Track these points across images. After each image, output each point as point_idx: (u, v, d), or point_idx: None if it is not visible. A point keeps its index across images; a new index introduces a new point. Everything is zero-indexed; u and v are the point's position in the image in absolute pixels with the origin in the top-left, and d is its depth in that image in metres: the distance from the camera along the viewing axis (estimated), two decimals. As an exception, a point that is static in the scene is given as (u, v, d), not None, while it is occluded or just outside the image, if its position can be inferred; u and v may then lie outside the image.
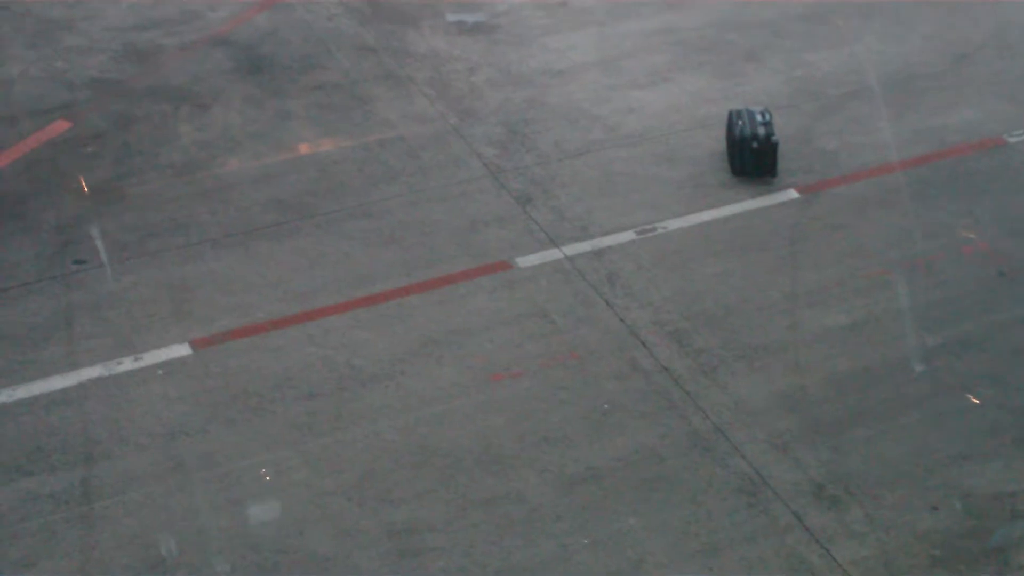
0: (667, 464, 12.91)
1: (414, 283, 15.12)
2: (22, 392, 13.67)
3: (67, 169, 17.02)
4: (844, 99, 18.51)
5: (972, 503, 12.51)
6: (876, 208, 16.36)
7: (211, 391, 13.68)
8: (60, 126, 17.85)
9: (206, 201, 16.39)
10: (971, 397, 13.60)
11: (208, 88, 18.68)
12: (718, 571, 11.91)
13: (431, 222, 16.07)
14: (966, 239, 15.80)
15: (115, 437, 13.12)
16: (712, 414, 13.42)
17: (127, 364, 14.02)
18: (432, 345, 14.26)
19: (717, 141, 17.40)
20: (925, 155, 17.35)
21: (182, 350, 14.21)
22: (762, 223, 16.11)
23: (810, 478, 12.75)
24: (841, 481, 12.71)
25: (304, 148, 17.34)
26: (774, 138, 16.67)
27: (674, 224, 16.09)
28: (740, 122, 16.79)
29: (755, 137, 16.62)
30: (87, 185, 16.67)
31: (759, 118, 16.81)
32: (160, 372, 13.94)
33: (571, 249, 15.61)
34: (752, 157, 16.69)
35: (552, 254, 15.55)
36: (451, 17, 20.39)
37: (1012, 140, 17.65)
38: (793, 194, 16.63)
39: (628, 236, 15.85)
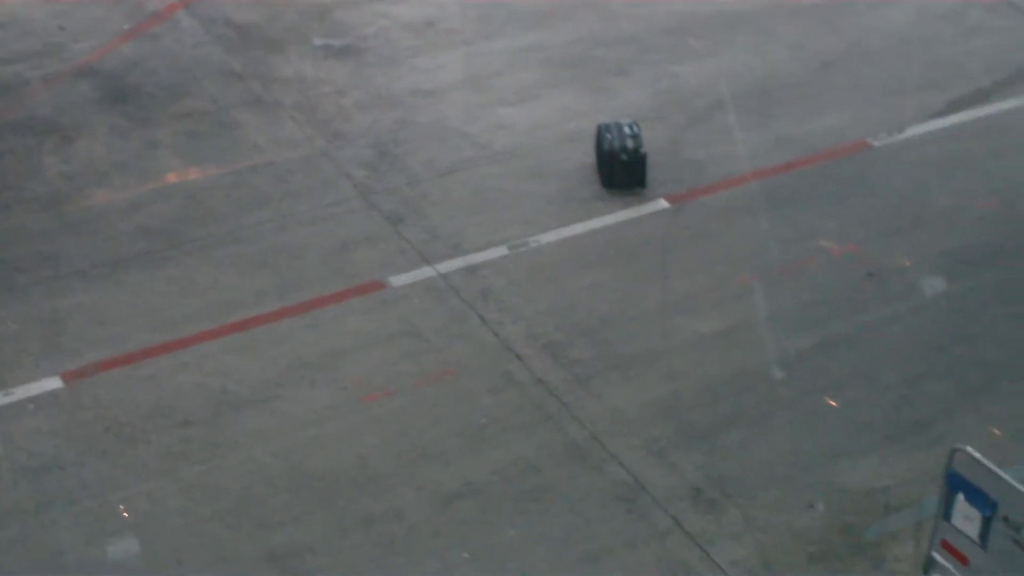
0: (545, 475, 12.93)
1: (286, 307, 15.04)
2: None
3: (-70, 206, 16.79)
4: (711, 110, 18.68)
5: (846, 500, 12.65)
6: (745, 215, 16.52)
7: (84, 423, 13.51)
8: (-78, 163, 17.61)
9: (73, 233, 16.19)
10: (829, 401, 13.73)
11: (73, 120, 18.47)
12: (599, 579, 11.99)
13: (302, 245, 15.99)
14: (834, 242, 15.98)
15: (-14, 473, 12.95)
16: (588, 424, 13.45)
17: (-4, 400, 13.85)
18: (306, 368, 14.19)
19: (586, 155, 17.48)
20: (791, 161, 17.54)
21: (53, 383, 14.02)
22: (633, 234, 16.21)
23: (687, 482, 12.82)
24: (717, 484, 12.79)
25: (172, 176, 17.20)
26: (643, 150, 16.79)
27: (546, 238, 16.13)
28: (609, 135, 16.88)
29: (624, 150, 16.72)
30: (-49, 221, 16.44)
31: (628, 131, 16.92)
32: (31, 406, 13.74)
33: (444, 266, 15.60)
34: (622, 169, 16.79)
35: (425, 272, 15.53)
36: (318, 41, 20.34)
37: (876, 144, 17.90)
38: (663, 204, 16.74)
39: (500, 251, 15.87)
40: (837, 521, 12.42)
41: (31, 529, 12.33)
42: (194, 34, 20.37)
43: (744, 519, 12.44)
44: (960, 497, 10.25)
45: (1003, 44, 20.29)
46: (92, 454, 13.20)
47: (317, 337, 14.61)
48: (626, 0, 21.51)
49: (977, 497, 10.11)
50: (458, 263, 15.67)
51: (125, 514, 12.50)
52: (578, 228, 16.33)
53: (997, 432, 13.33)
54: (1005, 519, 9.96)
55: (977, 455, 10.03)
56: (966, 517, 10.25)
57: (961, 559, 10.41)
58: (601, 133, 17.10)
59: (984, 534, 10.15)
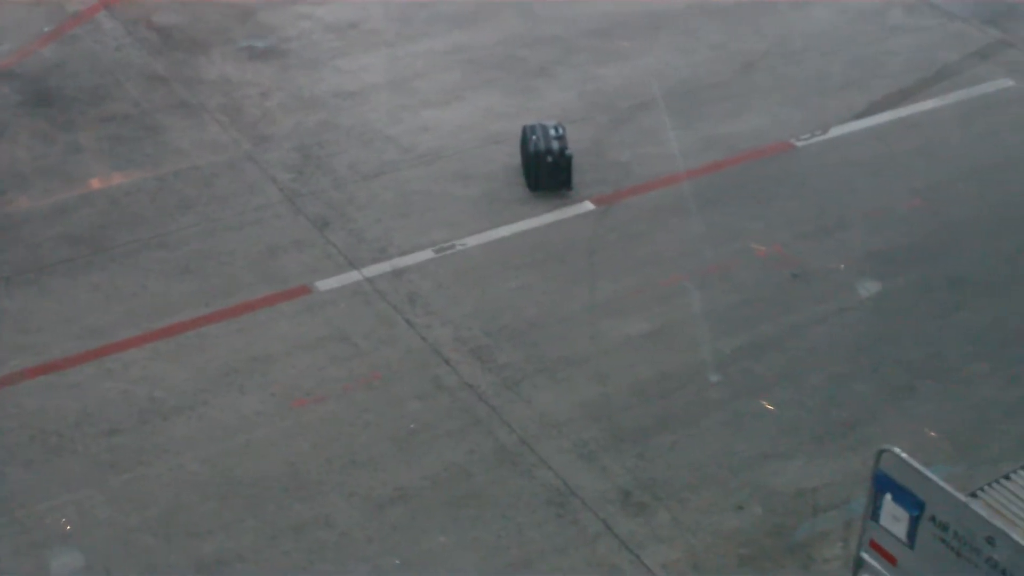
0: (475, 480, 12.93)
1: (213, 312, 14.96)
2: None
3: None
4: (635, 111, 18.74)
5: (775, 501, 12.73)
6: (671, 216, 16.59)
7: (7, 433, 13.38)
8: None
9: (-5, 239, 16.07)
10: (766, 404, 13.82)
11: (-6, 124, 18.31)
12: (530, 584, 12.01)
13: (228, 250, 15.91)
14: (759, 243, 16.08)
15: (-91, 485, 12.80)
16: (518, 428, 13.47)
17: (-82, 410, 13.69)
18: (234, 374, 14.12)
19: (511, 157, 17.50)
20: (716, 162, 17.63)
21: (-25, 392, 13.90)
22: (560, 236, 16.23)
23: (617, 485, 12.86)
24: (647, 487, 12.84)
25: (96, 181, 17.05)
26: (568, 152, 16.80)
27: (472, 241, 16.13)
28: (534, 137, 16.89)
29: (549, 151, 16.73)
30: None
31: (553, 132, 16.93)
32: (-46, 416, 13.62)
33: (370, 271, 15.57)
34: (547, 171, 16.80)
35: (352, 276, 15.49)
36: (241, 43, 20.23)
37: (799, 144, 18.02)
38: (589, 206, 16.78)
39: (427, 255, 15.86)
40: (767, 522, 12.50)
41: (-44, 541, 12.23)
42: (116, 36, 20.21)
43: (674, 521, 12.50)
44: (888, 497, 10.33)
45: (924, 43, 20.47)
46: (17, 464, 13.08)
47: (245, 343, 14.54)
48: (549, 1, 21.51)
49: (905, 497, 10.19)
50: (385, 267, 15.64)
51: (68, 527, 12.40)
52: (504, 231, 16.34)
53: (932, 434, 13.46)
54: (932, 519, 10.06)
55: (904, 456, 10.11)
56: (894, 517, 10.33)
57: (890, 559, 10.50)
58: (526, 135, 17.11)
59: (912, 534, 10.24)
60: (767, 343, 14.62)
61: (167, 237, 16.10)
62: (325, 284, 15.37)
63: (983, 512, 9.75)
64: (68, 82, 19.19)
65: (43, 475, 12.95)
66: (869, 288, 15.37)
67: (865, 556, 10.70)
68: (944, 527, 9.99)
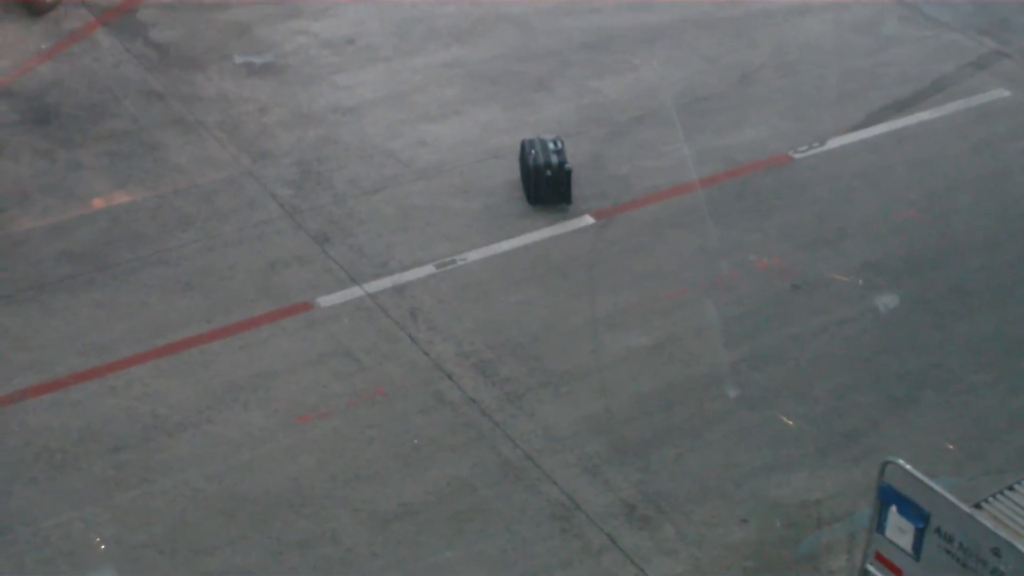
0: (480, 495, 12.97)
1: (215, 329, 14.99)
2: None
3: None
4: (632, 124, 18.79)
5: (780, 513, 12.77)
6: (670, 229, 16.64)
7: (12, 450, 13.40)
8: None
9: (-3, 257, 16.09)
10: (784, 419, 13.85)
11: (-7, 142, 18.33)
12: (536, 598, 12.05)
13: (229, 266, 15.94)
14: (759, 255, 16.13)
15: (-86, 504, 12.82)
16: (521, 442, 13.51)
17: (-77, 429, 13.71)
18: (237, 390, 14.15)
19: (511, 171, 17.54)
20: (714, 175, 17.68)
21: (-21, 411, 13.93)
22: (560, 250, 16.28)
23: (621, 499, 12.90)
24: (652, 500, 12.89)
25: (96, 199, 17.06)
26: (567, 166, 16.85)
27: (473, 256, 16.17)
28: (533, 151, 16.94)
29: (548, 165, 16.77)
30: None
31: (551, 146, 16.98)
32: (-42, 434, 13.64)
33: (372, 286, 15.61)
34: (547, 185, 16.85)
35: (353, 292, 15.53)
36: (239, 59, 20.26)
37: (797, 156, 18.07)
38: (589, 220, 16.83)
39: (428, 270, 15.90)
40: (771, 535, 12.54)
41: (-38, 560, 12.25)
42: (114, 53, 20.22)
43: (679, 535, 12.54)
44: (893, 509, 10.38)
45: (919, 54, 20.54)
46: (22, 481, 13.10)
47: (247, 359, 14.57)
48: (545, 15, 21.55)
49: (910, 509, 10.24)
50: (386, 282, 15.68)
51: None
52: (505, 245, 16.38)
53: (951, 446, 13.52)
54: (938, 530, 10.10)
55: (909, 467, 10.16)
56: (899, 529, 10.38)
57: (895, 571, 10.55)
58: (525, 149, 17.16)
59: (917, 546, 10.29)
60: (769, 354, 14.68)
61: (168, 254, 16.12)
62: (327, 300, 15.40)
63: (988, 523, 9.80)
64: (66, 99, 19.20)
65: (48, 492, 12.97)
66: (887, 303, 15.41)
67: (871, 568, 10.75)
68: (949, 538, 10.04)
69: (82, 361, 14.55)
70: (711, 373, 14.44)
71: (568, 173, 16.85)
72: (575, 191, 17.07)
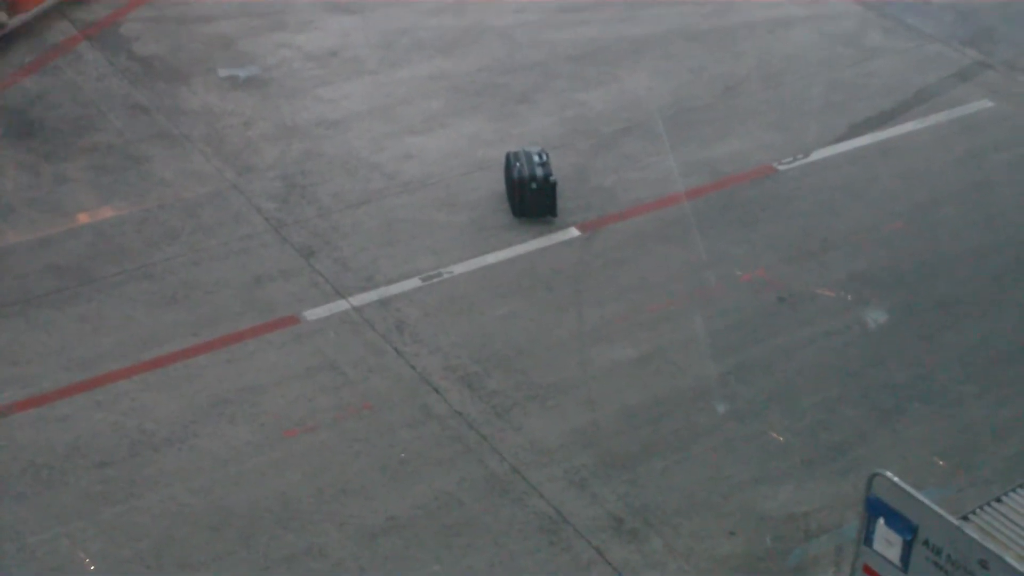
0: (467, 509, 12.96)
1: (201, 343, 14.96)
2: None
3: None
4: (617, 136, 18.80)
5: (768, 525, 12.77)
6: (655, 242, 16.65)
7: (-2, 465, 13.39)
8: None
9: (-19, 272, 16.05)
10: (774, 434, 13.86)
11: (-23, 156, 18.29)
12: (524, 612, 12.03)
13: (215, 280, 15.92)
14: (743, 268, 16.14)
15: (-100, 521, 12.77)
16: (508, 455, 13.50)
17: (-92, 444, 13.66)
18: (223, 404, 14.13)
19: (496, 183, 17.54)
20: (699, 187, 17.70)
21: (-35, 426, 13.88)
22: (546, 263, 16.28)
23: (609, 512, 12.89)
24: (639, 513, 12.88)
25: (81, 212, 17.03)
26: (552, 178, 16.85)
27: (459, 268, 16.17)
28: (518, 163, 16.94)
29: (534, 178, 16.78)
30: None
31: (536, 159, 16.98)
32: (-57, 450, 13.60)
33: (358, 299, 15.60)
34: (532, 198, 16.85)
35: (339, 305, 15.51)
36: (223, 72, 20.24)
37: (781, 168, 18.10)
38: (574, 232, 16.83)
39: (414, 283, 15.89)
40: (759, 547, 12.55)
41: (-51, 576, 12.21)
42: (97, 66, 20.19)
43: (667, 547, 12.54)
44: (880, 522, 10.37)
45: (902, 66, 20.58)
46: (8, 497, 13.06)
47: (234, 373, 14.55)
48: (529, 28, 21.56)
49: (897, 521, 10.23)
50: (372, 296, 15.67)
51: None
52: (490, 258, 16.37)
53: (941, 463, 13.53)
54: (925, 542, 10.10)
55: (896, 479, 10.16)
56: (887, 541, 10.37)
57: (884, 583, 10.55)
58: (510, 161, 17.16)
59: (905, 558, 10.27)
60: (755, 367, 14.69)
61: (153, 268, 16.10)
62: (313, 313, 15.39)
63: (976, 535, 9.80)
64: (51, 113, 19.17)
65: (35, 508, 12.94)
66: (876, 318, 15.43)
67: (859, 580, 10.75)
68: (937, 551, 10.03)
69: (68, 376, 14.52)
70: (698, 386, 14.45)
71: (553, 185, 16.85)
72: (560, 203, 17.07)
